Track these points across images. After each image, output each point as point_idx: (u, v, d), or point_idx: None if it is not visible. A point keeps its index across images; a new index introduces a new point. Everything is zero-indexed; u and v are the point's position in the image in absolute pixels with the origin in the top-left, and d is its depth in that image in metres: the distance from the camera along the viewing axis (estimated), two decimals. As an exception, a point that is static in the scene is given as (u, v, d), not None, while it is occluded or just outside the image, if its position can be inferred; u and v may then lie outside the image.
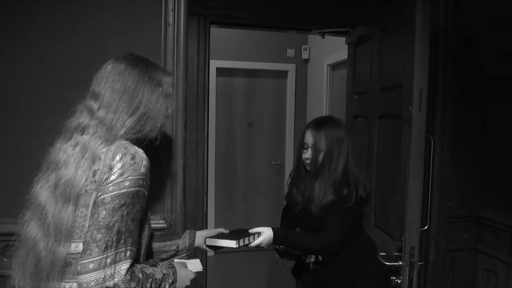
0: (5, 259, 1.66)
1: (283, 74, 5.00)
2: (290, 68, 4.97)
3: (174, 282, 1.21)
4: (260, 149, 5.02)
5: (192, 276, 1.32)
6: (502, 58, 2.08)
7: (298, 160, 1.92)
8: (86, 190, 1.08)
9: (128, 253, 1.07)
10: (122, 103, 1.15)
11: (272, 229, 1.75)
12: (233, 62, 4.78)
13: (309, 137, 1.85)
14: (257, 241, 1.73)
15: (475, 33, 2.14)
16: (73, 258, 1.08)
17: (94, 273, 1.02)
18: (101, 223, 1.03)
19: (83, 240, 1.06)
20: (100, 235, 1.03)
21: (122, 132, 1.15)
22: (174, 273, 1.22)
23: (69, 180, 1.08)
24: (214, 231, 1.68)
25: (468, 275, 2.22)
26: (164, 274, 1.18)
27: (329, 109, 4.35)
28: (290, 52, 4.95)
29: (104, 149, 1.10)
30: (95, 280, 1.02)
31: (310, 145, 1.85)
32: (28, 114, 1.67)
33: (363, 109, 2.43)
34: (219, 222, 4.89)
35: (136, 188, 1.08)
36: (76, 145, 1.13)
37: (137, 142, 1.20)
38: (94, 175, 1.08)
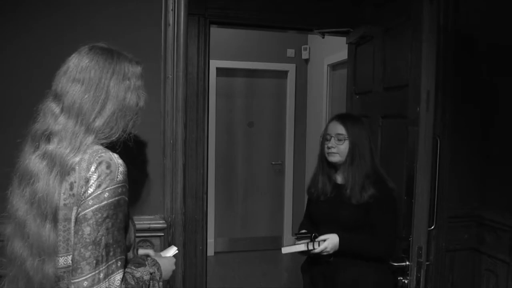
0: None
1: (283, 74, 5.00)
2: (290, 68, 4.97)
3: (160, 277, 1.21)
4: (260, 149, 5.02)
5: (174, 260, 1.34)
6: (502, 58, 2.08)
7: (322, 151, 1.96)
8: (65, 204, 1.03)
9: (119, 263, 1.06)
10: (85, 104, 1.07)
11: (338, 235, 1.81)
12: (233, 62, 4.78)
13: (332, 128, 1.91)
14: (322, 246, 1.79)
15: (475, 33, 2.14)
16: (64, 271, 1.05)
17: None
18: (87, 240, 1.00)
19: (70, 253, 1.04)
20: (88, 252, 1.00)
21: (91, 138, 1.08)
22: (159, 268, 1.22)
23: (42, 197, 1.03)
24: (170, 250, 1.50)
25: (468, 275, 2.22)
26: (151, 274, 1.18)
27: (329, 109, 4.35)
28: (290, 52, 4.95)
29: (77, 159, 1.04)
30: None
31: (333, 135, 1.89)
32: (28, 114, 1.67)
33: (365, 109, 2.42)
34: (219, 222, 4.90)
35: (117, 198, 1.04)
36: (43, 155, 1.06)
37: (112, 146, 1.13)
38: (71, 188, 1.03)
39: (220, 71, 4.75)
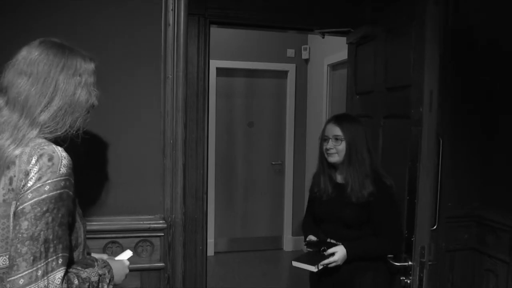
0: None
1: (283, 74, 5.00)
2: (290, 68, 4.97)
3: (111, 280, 1.17)
4: (260, 149, 5.02)
5: (127, 263, 1.29)
6: (502, 58, 2.08)
7: (321, 152, 2.01)
8: (4, 200, 0.98)
9: (61, 261, 1.00)
10: (31, 97, 1.03)
11: (344, 246, 1.86)
12: (233, 62, 4.78)
13: (329, 129, 1.96)
14: (332, 259, 1.83)
15: (475, 33, 2.14)
16: (3, 272, 1.00)
17: None
18: (25, 235, 0.95)
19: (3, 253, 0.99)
20: (25, 247, 0.95)
21: (35, 131, 1.03)
22: (110, 270, 1.18)
23: None
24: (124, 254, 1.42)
25: (468, 275, 2.22)
26: (100, 275, 1.13)
27: (329, 109, 4.35)
28: (290, 52, 4.95)
29: (17, 152, 0.99)
30: None
31: (331, 137, 1.95)
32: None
33: (366, 109, 2.42)
34: (219, 222, 4.90)
35: (59, 191, 0.99)
36: None
37: (57, 141, 1.08)
38: (10, 183, 0.98)
39: (220, 71, 4.75)
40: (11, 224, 0.98)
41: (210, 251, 4.42)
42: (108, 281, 1.15)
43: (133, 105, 1.79)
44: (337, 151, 1.93)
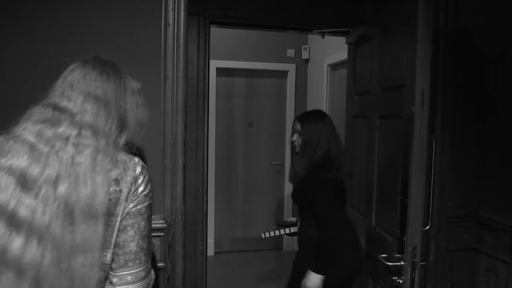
0: None
1: (283, 74, 5.00)
2: (290, 68, 4.97)
3: None
4: (260, 149, 5.02)
5: None
6: (502, 58, 2.08)
7: (291, 144, 2.37)
8: (110, 199, 1.03)
9: (152, 272, 1.16)
10: (112, 125, 1.09)
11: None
12: (233, 62, 4.78)
13: (295, 125, 2.31)
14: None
15: (475, 33, 2.14)
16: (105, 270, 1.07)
17: (145, 280, 1.10)
18: (143, 233, 1.09)
19: (107, 250, 1.05)
20: (145, 244, 1.09)
21: (121, 143, 1.12)
22: None
23: (89, 197, 0.99)
24: None
25: (468, 275, 2.22)
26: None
27: (329, 109, 4.35)
28: (290, 52, 4.95)
29: (120, 159, 1.07)
30: (147, 285, 1.11)
31: (296, 131, 2.29)
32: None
33: (363, 109, 2.43)
34: (219, 222, 4.90)
35: (150, 202, 1.13)
36: (73, 158, 1.00)
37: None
38: (117, 184, 1.04)
39: (220, 71, 4.75)
40: (118, 223, 1.06)
41: (210, 251, 4.42)
42: None
43: (133, 105, 1.79)
44: (298, 144, 2.26)
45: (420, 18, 1.49)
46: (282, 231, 2.53)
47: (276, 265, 4.61)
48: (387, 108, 2.06)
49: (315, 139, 2.20)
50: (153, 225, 1.79)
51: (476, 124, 2.18)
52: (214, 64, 4.44)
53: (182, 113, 1.80)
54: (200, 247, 2.69)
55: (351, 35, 2.62)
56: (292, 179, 2.32)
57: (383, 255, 1.79)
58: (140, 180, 1.08)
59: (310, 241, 2.21)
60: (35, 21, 1.68)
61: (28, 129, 1.03)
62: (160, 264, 1.84)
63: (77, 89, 1.08)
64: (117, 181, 1.05)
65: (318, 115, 2.33)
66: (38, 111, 1.07)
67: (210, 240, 4.29)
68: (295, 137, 2.28)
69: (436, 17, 2.10)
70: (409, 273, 1.50)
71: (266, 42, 4.80)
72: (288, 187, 5.05)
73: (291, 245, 5.00)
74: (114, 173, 1.05)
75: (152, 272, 1.14)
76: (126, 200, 1.06)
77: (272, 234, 2.52)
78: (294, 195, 2.31)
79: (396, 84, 1.89)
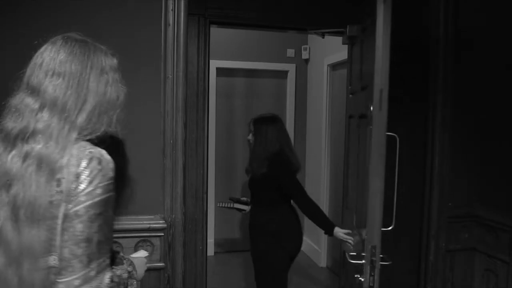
0: None
1: (283, 74, 5.00)
2: (290, 68, 4.97)
3: (134, 275, 1.22)
4: (260, 149, 5.02)
5: (145, 261, 1.34)
6: (503, 59, 2.08)
7: (247, 142, 2.76)
8: (51, 202, 0.98)
9: (108, 261, 1.04)
10: (68, 100, 1.03)
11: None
12: (233, 62, 4.78)
13: (250, 126, 2.70)
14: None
15: (476, 35, 2.14)
16: (47, 273, 1.01)
17: None
18: (80, 237, 0.97)
19: (52, 254, 0.99)
20: (81, 249, 0.97)
21: (75, 134, 1.03)
22: (134, 267, 1.23)
23: (31, 201, 0.98)
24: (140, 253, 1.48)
25: (468, 275, 2.22)
26: (129, 272, 1.19)
27: (329, 109, 4.35)
28: (290, 52, 4.95)
29: (66, 156, 1.00)
30: None
31: (251, 130, 2.68)
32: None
33: (353, 109, 2.45)
34: (219, 222, 4.89)
35: (108, 194, 1.02)
36: (26, 156, 1.00)
37: (99, 141, 1.09)
38: (59, 185, 0.99)
39: (220, 71, 4.75)
40: (59, 225, 0.98)
41: (210, 251, 4.42)
42: (134, 277, 1.21)
43: (133, 105, 1.79)
44: (252, 142, 2.65)
45: (379, 17, 1.47)
46: (234, 205, 2.96)
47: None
48: (363, 108, 2.08)
49: (265, 138, 2.58)
50: (153, 225, 1.80)
51: (477, 125, 2.18)
52: (214, 64, 4.44)
53: (182, 113, 1.80)
54: (200, 247, 2.69)
55: (344, 35, 2.63)
56: (249, 172, 2.75)
57: (352, 253, 1.79)
58: (83, 177, 0.98)
59: (259, 223, 2.66)
60: (35, 21, 1.68)
61: None
62: (160, 264, 1.84)
63: (43, 70, 1.06)
64: (59, 181, 0.99)
65: (269, 118, 2.69)
66: (10, 104, 1.08)
67: (210, 240, 4.28)
68: (250, 136, 2.68)
69: (436, 19, 2.10)
70: (369, 272, 1.48)
71: (266, 42, 4.80)
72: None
73: (291, 245, 5.00)
74: (57, 172, 0.99)
75: (105, 281, 1.02)
76: (66, 201, 0.98)
77: (225, 205, 2.94)
78: (251, 184, 2.72)
79: (367, 84, 1.90)
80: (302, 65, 5.01)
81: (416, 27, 2.27)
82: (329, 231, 2.42)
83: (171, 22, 1.78)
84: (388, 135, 1.50)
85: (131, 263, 1.23)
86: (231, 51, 4.74)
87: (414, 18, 2.29)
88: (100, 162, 1.01)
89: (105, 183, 1.01)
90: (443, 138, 2.12)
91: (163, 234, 1.82)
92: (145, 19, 1.78)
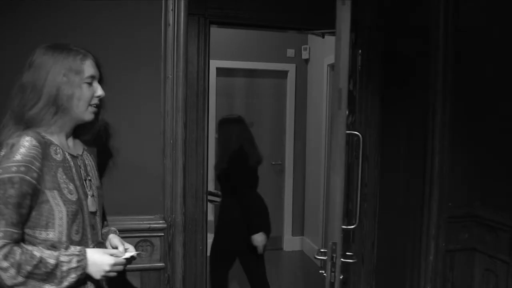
0: None
1: (283, 74, 5.00)
2: (290, 68, 4.97)
3: (78, 268, 1.19)
4: (260, 149, 5.00)
5: (111, 262, 1.26)
6: (503, 58, 2.08)
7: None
8: None
9: (1, 234, 1.11)
10: (25, 98, 1.23)
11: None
12: (233, 62, 4.78)
13: (217, 126, 3.16)
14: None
15: (476, 33, 2.14)
16: None
17: None
18: None
19: None
20: None
21: (29, 115, 1.21)
22: (81, 260, 1.21)
23: None
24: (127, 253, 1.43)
25: (468, 275, 2.22)
26: (59, 261, 1.17)
27: (329, 109, 4.35)
28: (290, 52, 4.95)
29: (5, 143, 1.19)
30: None
31: (217, 131, 3.09)
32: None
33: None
34: (219, 222, 4.89)
35: (8, 175, 1.13)
36: None
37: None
38: None
39: (220, 71, 4.75)
40: None
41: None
42: (68, 268, 1.18)
43: (133, 105, 1.80)
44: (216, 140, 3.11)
45: (338, 18, 1.51)
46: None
47: (276, 265, 4.61)
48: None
49: (228, 137, 2.94)
50: (153, 225, 1.80)
51: (477, 124, 2.18)
52: (214, 64, 4.44)
53: (182, 113, 1.80)
54: (200, 247, 2.68)
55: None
56: (216, 167, 3.09)
57: (322, 250, 1.81)
58: None
59: (228, 211, 2.99)
60: (35, 21, 1.68)
61: None
62: (160, 264, 1.84)
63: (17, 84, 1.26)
64: None
65: (232, 119, 3.09)
66: None
67: (210, 240, 4.27)
68: (216, 135, 3.15)
69: (436, 17, 2.10)
70: (329, 268, 1.52)
71: (266, 42, 4.80)
72: (289, 187, 5.06)
73: (291, 245, 5.01)
74: None
75: None
76: None
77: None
78: (220, 177, 3.05)
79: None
80: (302, 65, 5.01)
81: (416, 27, 2.27)
82: (251, 233, 2.82)
83: (171, 22, 1.78)
84: (351, 133, 1.53)
85: (78, 255, 1.21)
86: (231, 51, 4.74)
87: (414, 18, 2.29)
88: (12, 146, 1.16)
89: (7, 165, 1.14)
90: (443, 138, 2.12)
91: (163, 234, 1.82)
92: (145, 19, 1.78)
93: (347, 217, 2.52)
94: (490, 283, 2.12)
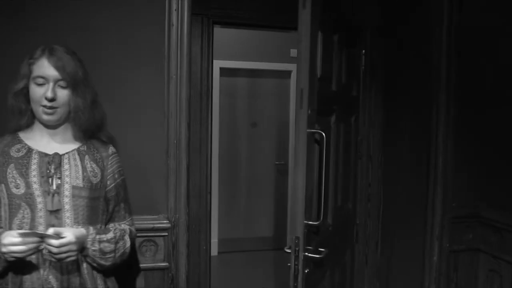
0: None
1: (286, 74, 5.00)
2: (293, 68, 4.95)
3: None
4: (263, 149, 5.02)
5: (5, 241, 1.16)
6: (505, 58, 2.07)
7: None
8: None
9: None
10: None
11: None
12: (236, 62, 4.78)
13: None
14: None
15: (479, 33, 2.13)
16: None
17: None
18: None
19: None
20: None
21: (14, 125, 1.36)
22: None
23: None
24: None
25: (472, 275, 2.22)
26: None
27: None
28: (294, 52, 4.94)
29: None
30: None
31: None
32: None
33: None
34: (222, 222, 4.90)
35: None
36: None
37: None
38: None
39: (224, 71, 4.75)
40: None
41: (214, 251, 4.42)
42: None
43: (136, 106, 1.80)
44: None
45: (300, 21, 1.55)
46: None
47: (280, 265, 4.61)
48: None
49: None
50: (157, 225, 1.81)
51: (480, 124, 2.17)
52: (218, 64, 4.44)
53: (185, 113, 1.80)
54: (204, 247, 2.69)
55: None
56: None
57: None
58: None
59: None
60: (35, 21, 1.68)
61: None
62: (164, 264, 1.84)
63: None
64: None
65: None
66: None
67: (214, 240, 4.29)
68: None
69: (439, 17, 2.09)
70: (293, 262, 1.59)
71: (269, 42, 4.80)
72: (292, 187, 5.05)
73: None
74: None
75: None
76: None
77: None
78: None
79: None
80: (305, 65, 5.00)
81: (417, 27, 2.26)
82: None
83: (174, 22, 1.78)
84: (314, 132, 1.59)
85: None
86: (234, 51, 4.74)
87: (414, 18, 2.28)
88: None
89: None
90: (447, 138, 2.11)
91: (167, 234, 1.83)
92: (147, 19, 1.78)
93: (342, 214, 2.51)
94: (495, 283, 2.11)
